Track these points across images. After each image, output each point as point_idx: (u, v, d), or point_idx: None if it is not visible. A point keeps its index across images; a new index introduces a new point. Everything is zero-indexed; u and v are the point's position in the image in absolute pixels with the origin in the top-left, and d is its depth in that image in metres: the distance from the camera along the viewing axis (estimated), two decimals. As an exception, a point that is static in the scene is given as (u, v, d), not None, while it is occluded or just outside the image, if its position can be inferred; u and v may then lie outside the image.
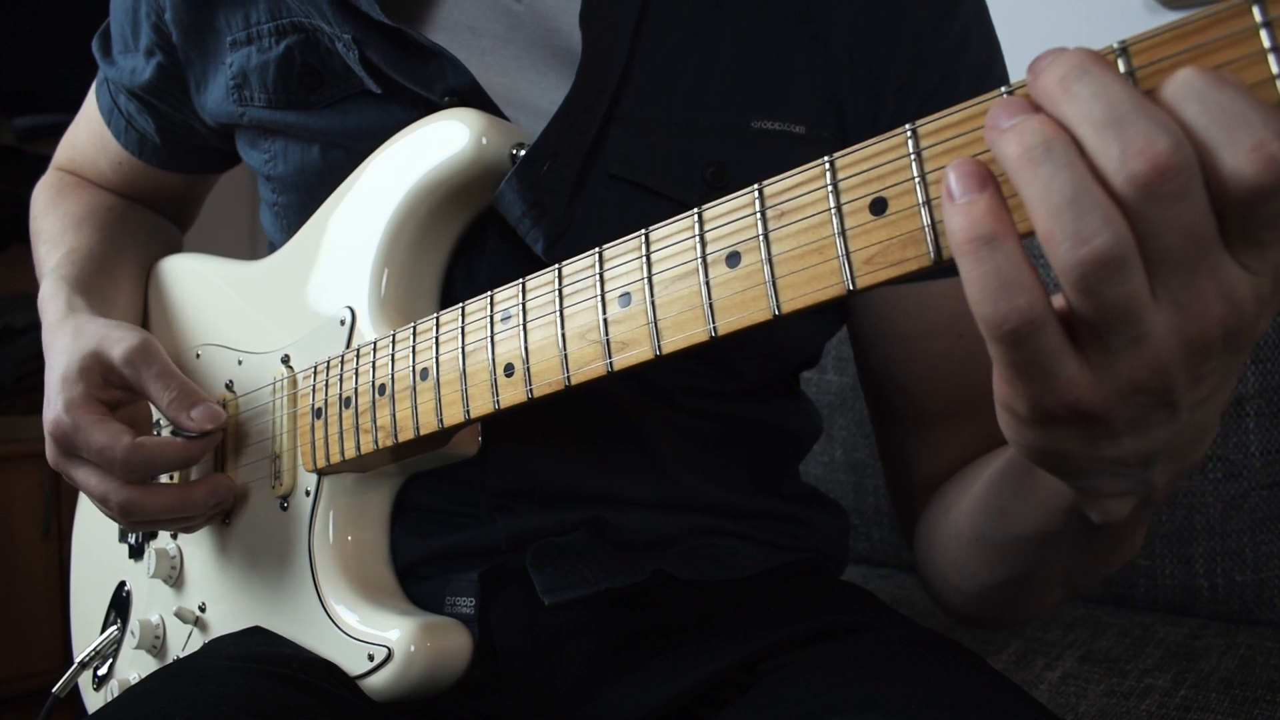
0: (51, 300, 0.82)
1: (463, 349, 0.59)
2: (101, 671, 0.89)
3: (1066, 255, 0.35)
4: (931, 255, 0.40)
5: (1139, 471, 0.43)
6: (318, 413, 0.69)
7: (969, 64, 0.71)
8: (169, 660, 0.81)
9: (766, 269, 0.45)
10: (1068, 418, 0.40)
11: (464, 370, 0.58)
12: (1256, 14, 0.33)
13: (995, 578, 0.63)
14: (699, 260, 0.47)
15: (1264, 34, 0.33)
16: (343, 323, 0.70)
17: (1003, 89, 0.39)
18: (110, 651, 0.89)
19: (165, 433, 0.84)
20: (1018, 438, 0.43)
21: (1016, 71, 0.48)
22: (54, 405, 0.71)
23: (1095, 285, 0.35)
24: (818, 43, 0.69)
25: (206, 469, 0.78)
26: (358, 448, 0.65)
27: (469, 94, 0.66)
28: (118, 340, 0.73)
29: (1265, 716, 0.88)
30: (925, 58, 0.70)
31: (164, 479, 0.78)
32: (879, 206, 0.42)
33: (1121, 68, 0.36)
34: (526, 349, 0.55)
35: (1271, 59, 0.33)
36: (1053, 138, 0.35)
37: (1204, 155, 0.34)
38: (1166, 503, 0.43)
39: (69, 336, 0.75)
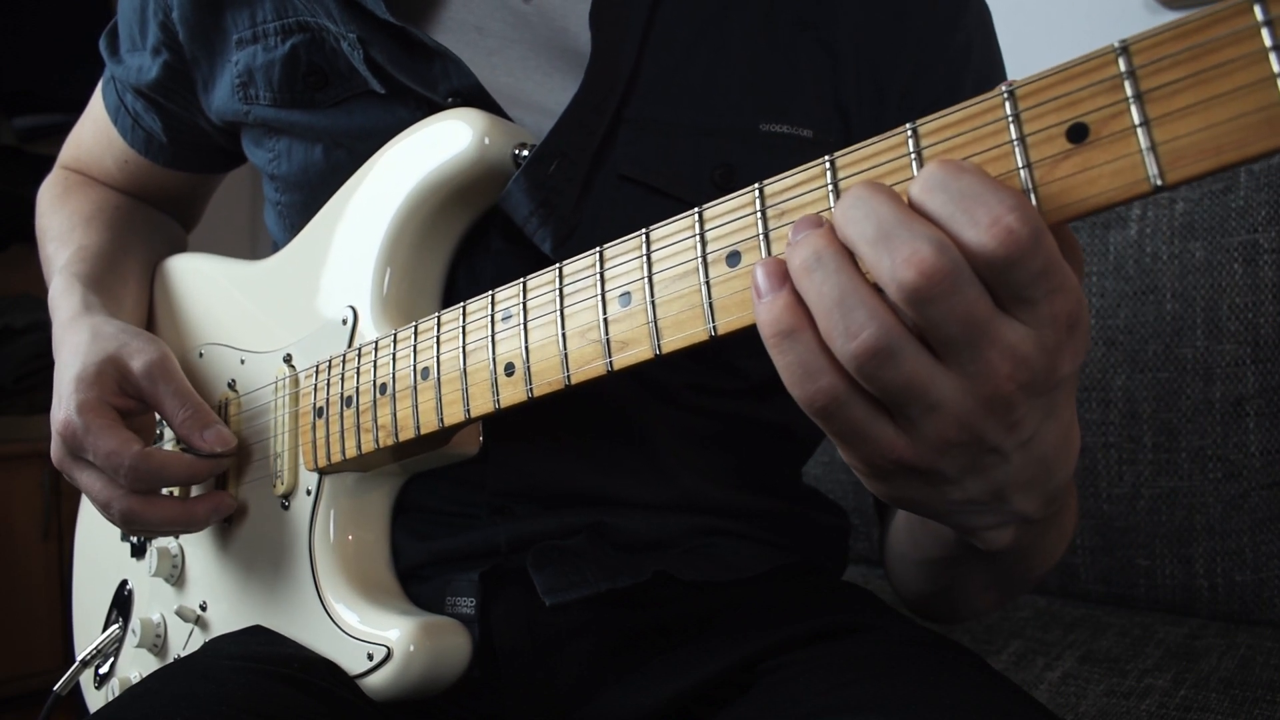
0: (64, 297, 0.82)
1: (463, 348, 0.59)
2: (103, 670, 0.89)
3: (840, 349, 0.40)
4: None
5: (995, 505, 0.46)
6: (319, 412, 0.69)
7: (972, 74, 0.72)
8: (170, 659, 0.81)
9: (767, 268, 0.45)
10: (899, 472, 0.44)
11: (465, 369, 0.59)
12: (1258, 12, 0.33)
13: (924, 589, 0.70)
14: (699, 259, 0.47)
15: (1265, 32, 0.33)
16: (345, 322, 0.70)
17: (1003, 88, 0.39)
18: (112, 650, 0.89)
19: (168, 445, 0.84)
20: (870, 487, 0.47)
21: (1017, 73, 0.48)
22: (66, 405, 0.71)
23: (872, 372, 0.40)
24: (824, 48, 0.70)
25: (210, 483, 0.78)
26: (359, 447, 0.65)
27: (472, 95, 0.66)
28: (138, 351, 0.73)
29: (1265, 716, 0.88)
30: (928, 67, 0.70)
31: (163, 491, 0.78)
32: (879, 206, 0.42)
33: (1122, 67, 0.36)
34: (527, 348, 0.55)
35: (1273, 57, 0.33)
36: (823, 249, 0.40)
37: (954, 239, 0.38)
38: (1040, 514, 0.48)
39: (85, 336, 0.75)
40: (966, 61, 0.72)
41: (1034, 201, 0.38)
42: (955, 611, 0.71)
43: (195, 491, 0.78)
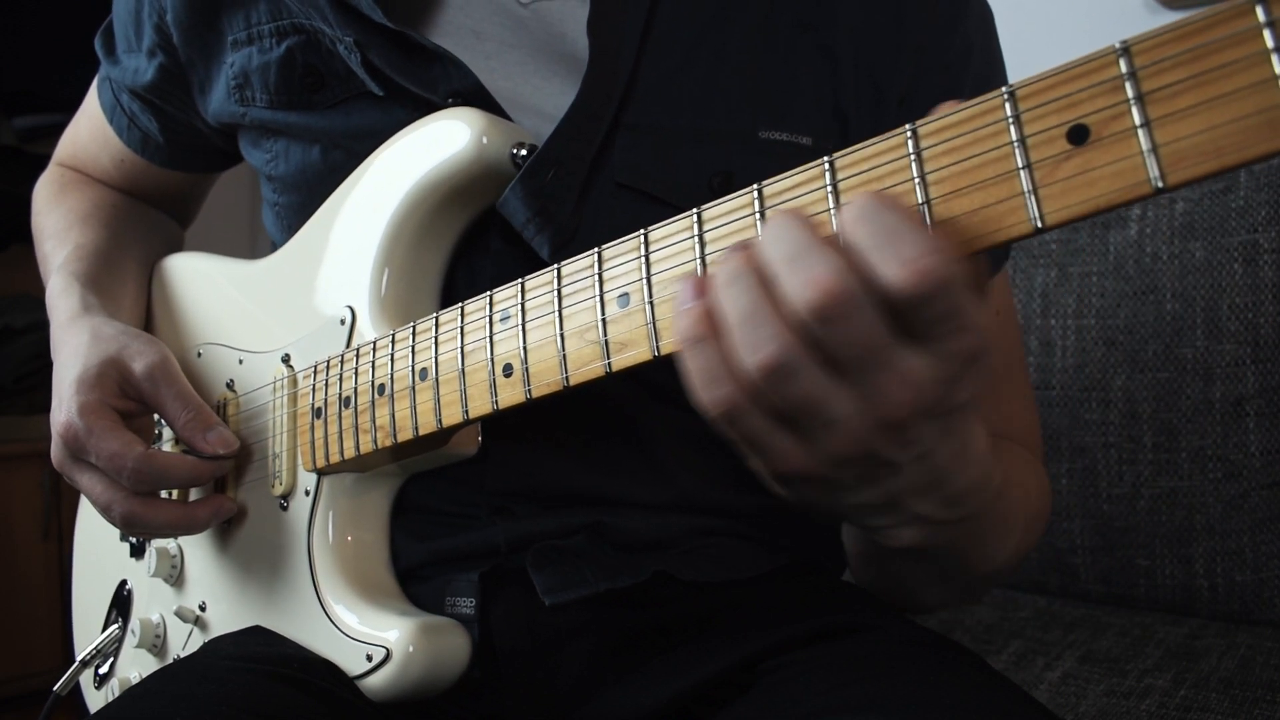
0: (63, 296, 0.82)
1: (461, 349, 0.59)
2: (103, 670, 0.89)
3: (745, 360, 0.42)
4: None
5: (891, 509, 0.49)
6: (317, 412, 0.69)
7: (971, 77, 0.71)
8: (169, 659, 0.81)
9: (766, 269, 0.45)
10: (796, 479, 0.47)
11: (463, 370, 0.58)
12: (1260, 14, 0.33)
13: (866, 578, 0.73)
14: (698, 261, 0.47)
15: (1267, 34, 0.33)
16: (343, 322, 0.69)
17: (1003, 89, 0.39)
18: (111, 650, 0.89)
19: (167, 446, 0.84)
20: (772, 490, 0.50)
21: (1018, 73, 0.48)
22: (67, 407, 0.70)
23: (772, 385, 0.42)
24: (823, 53, 0.69)
25: (210, 484, 0.78)
26: (357, 447, 0.65)
27: (473, 96, 0.66)
28: (139, 353, 0.73)
29: (1265, 716, 0.88)
30: (927, 71, 0.70)
31: (162, 494, 0.78)
32: (878, 207, 0.42)
33: (1123, 68, 0.36)
34: (525, 349, 0.55)
35: (1274, 59, 0.33)
36: (741, 269, 0.43)
37: (870, 271, 0.40)
38: (948, 520, 0.51)
39: (85, 337, 0.75)
40: (966, 64, 0.71)
41: (1034, 203, 0.38)
42: (907, 601, 0.72)
43: (196, 493, 0.78)
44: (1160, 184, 0.35)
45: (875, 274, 0.40)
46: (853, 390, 0.42)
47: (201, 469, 0.72)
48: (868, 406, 0.43)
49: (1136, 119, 0.36)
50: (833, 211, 0.43)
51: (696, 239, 0.47)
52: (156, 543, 0.85)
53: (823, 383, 0.42)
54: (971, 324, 0.41)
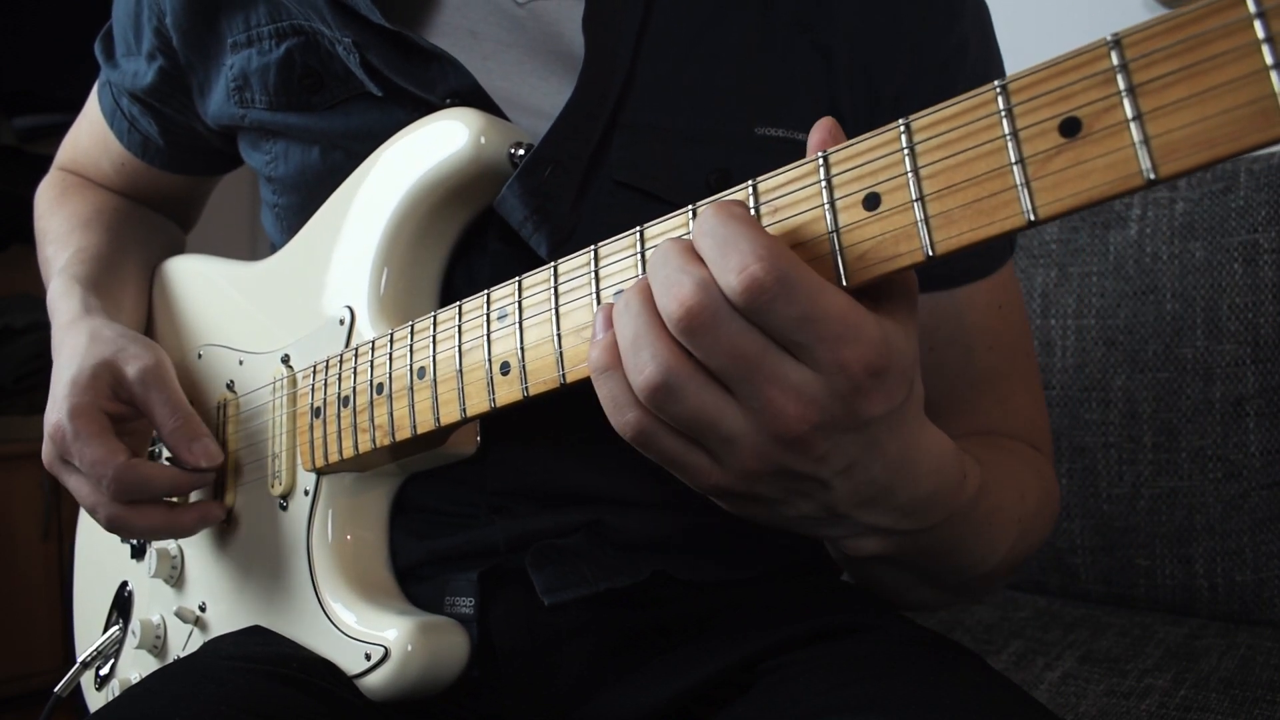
0: (64, 299, 0.82)
1: (459, 347, 0.59)
2: (103, 671, 0.89)
3: (633, 382, 0.44)
4: (925, 251, 0.40)
5: (837, 521, 0.49)
6: (316, 412, 0.69)
7: (968, 75, 0.71)
8: (170, 660, 0.81)
9: (760, 265, 0.45)
10: (724, 494, 0.48)
11: (460, 369, 0.58)
12: (1250, 5, 0.33)
13: (858, 580, 0.72)
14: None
15: (1258, 25, 0.33)
16: (342, 322, 0.70)
17: (996, 83, 0.39)
18: (112, 651, 0.89)
19: (164, 452, 0.84)
20: (716, 504, 0.50)
21: (1012, 67, 0.48)
22: (58, 408, 0.71)
23: (658, 404, 0.44)
24: (819, 51, 0.69)
25: (206, 492, 0.78)
26: (356, 447, 0.65)
27: (471, 96, 0.66)
28: (134, 356, 0.73)
29: (1265, 716, 0.88)
30: (922, 70, 0.70)
31: None
32: (872, 202, 0.42)
33: (1115, 60, 0.36)
34: (522, 347, 0.55)
35: (1265, 50, 0.33)
36: (631, 295, 0.45)
37: (716, 280, 0.41)
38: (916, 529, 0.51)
39: (84, 339, 0.75)
40: (962, 62, 0.71)
41: (1027, 196, 0.38)
42: (901, 601, 0.71)
43: (195, 497, 0.78)
44: (1153, 175, 0.35)
45: (722, 287, 0.41)
46: (742, 405, 0.43)
47: (183, 480, 0.72)
48: (760, 421, 0.43)
49: (1128, 111, 0.36)
50: (826, 207, 0.43)
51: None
52: (157, 544, 0.85)
53: (709, 399, 0.43)
54: (855, 336, 0.41)
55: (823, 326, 0.41)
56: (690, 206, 0.48)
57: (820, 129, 0.45)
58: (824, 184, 0.43)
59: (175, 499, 0.77)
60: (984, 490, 0.57)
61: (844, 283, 0.43)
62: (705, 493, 0.49)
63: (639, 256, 0.50)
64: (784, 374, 0.42)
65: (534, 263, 0.59)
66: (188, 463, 0.71)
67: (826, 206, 0.43)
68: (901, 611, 0.71)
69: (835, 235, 0.43)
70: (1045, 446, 0.77)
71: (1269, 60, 0.32)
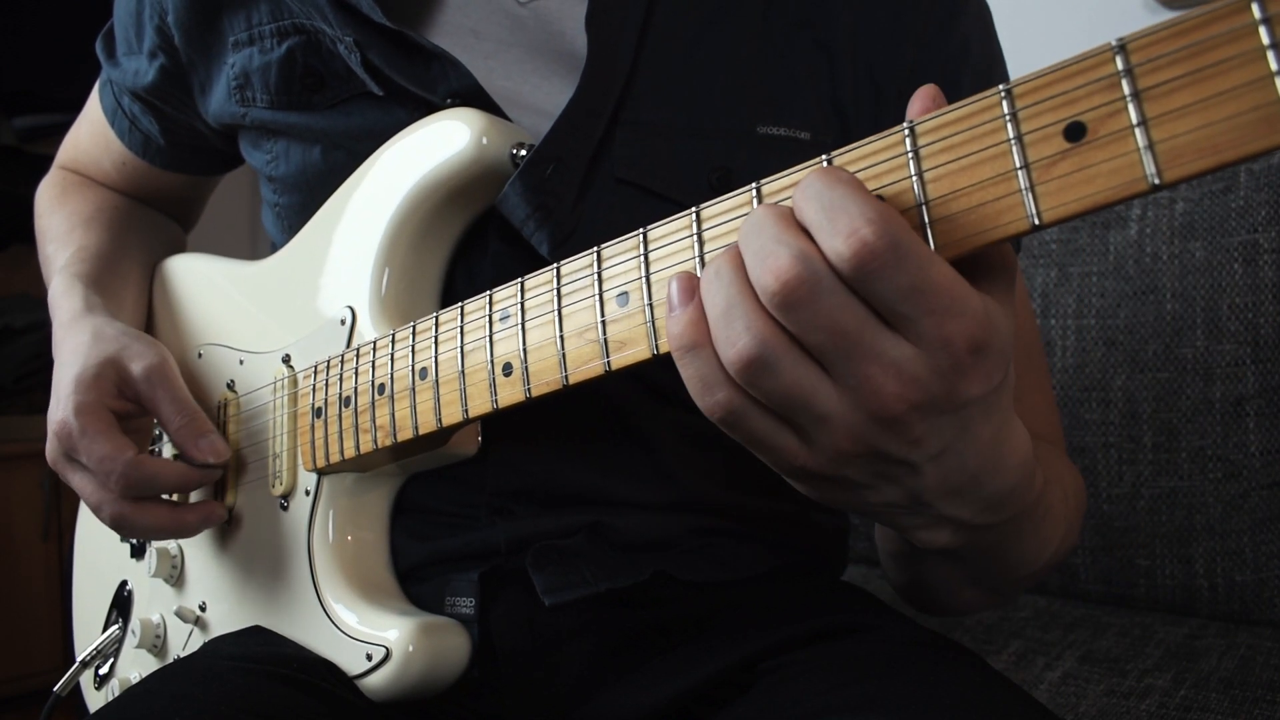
0: (65, 297, 0.82)
1: (461, 348, 0.59)
2: (103, 671, 0.89)
3: (724, 356, 0.42)
4: (929, 254, 0.40)
5: (919, 510, 0.47)
6: (318, 412, 0.69)
7: (970, 73, 0.71)
8: (170, 659, 0.81)
9: (765, 268, 0.45)
10: (809, 477, 0.46)
11: (462, 370, 0.58)
12: (1255, 10, 0.33)
13: (900, 579, 0.71)
14: (696, 259, 0.47)
15: (1263, 30, 0.33)
16: (343, 322, 0.70)
17: (1000, 87, 0.39)
18: (112, 651, 0.89)
19: (166, 450, 0.84)
20: (794, 487, 0.48)
21: (1016, 71, 0.48)
22: (63, 405, 0.71)
23: (751, 380, 0.41)
24: (821, 49, 0.69)
25: (207, 492, 0.78)
26: (357, 447, 0.65)
27: (471, 96, 0.66)
28: (138, 354, 0.73)
29: (1265, 716, 0.88)
30: (925, 66, 0.70)
31: None
32: (876, 205, 0.42)
33: (1119, 65, 0.36)
34: (525, 348, 0.55)
35: (1270, 55, 0.33)
36: (722, 265, 0.42)
37: (824, 251, 0.39)
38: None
39: (86, 337, 0.75)
40: (965, 59, 0.71)
41: (1031, 201, 0.38)
42: (938, 604, 0.71)
43: (195, 497, 0.78)
44: (1157, 181, 0.35)
45: (825, 252, 0.39)
46: (839, 381, 0.41)
47: (190, 476, 0.72)
48: (857, 399, 0.41)
49: (1133, 116, 0.36)
50: None
51: (695, 238, 0.47)
52: (157, 543, 0.85)
53: (805, 376, 0.41)
54: (959, 308, 0.39)
55: (932, 298, 0.39)
56: (693, 209, 0.48)
57: (921, 97, 0.42)
58: (828, 187, 0.43)
59: (178, 499, 0.77)
60: (1045, 486, 0.55)
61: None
62: (786, 475, 0.47)
63: (642, 258, 0.50)
64: (883, 349, 0.40)
65: (534, 263, 0.59)
66: (195, 459, 0.71)
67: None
68: (920, 613, 0.71)
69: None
70: (1061, 445, 0.77)
71: (1274, 66, 0.32)
